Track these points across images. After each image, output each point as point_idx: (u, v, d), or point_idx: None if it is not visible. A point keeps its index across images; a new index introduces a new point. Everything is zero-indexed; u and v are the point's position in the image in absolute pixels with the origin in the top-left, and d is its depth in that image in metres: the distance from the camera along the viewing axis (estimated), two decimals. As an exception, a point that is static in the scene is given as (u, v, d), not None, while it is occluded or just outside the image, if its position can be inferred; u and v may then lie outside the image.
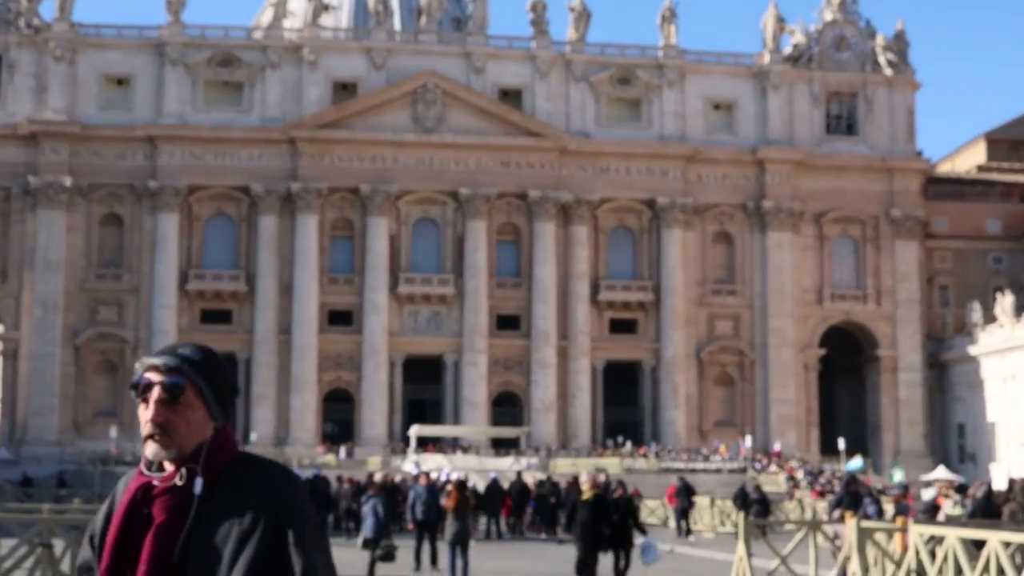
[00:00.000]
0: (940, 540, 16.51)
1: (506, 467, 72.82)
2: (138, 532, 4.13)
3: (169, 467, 4.18)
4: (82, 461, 77.53)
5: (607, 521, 25.49)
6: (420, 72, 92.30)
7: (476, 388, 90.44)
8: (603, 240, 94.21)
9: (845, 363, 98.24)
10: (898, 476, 75.35)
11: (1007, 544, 14.98)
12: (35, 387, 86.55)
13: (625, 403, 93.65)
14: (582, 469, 68.40)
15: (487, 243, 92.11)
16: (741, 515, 24.01)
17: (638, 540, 26.06)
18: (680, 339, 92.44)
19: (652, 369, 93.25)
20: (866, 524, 19.76)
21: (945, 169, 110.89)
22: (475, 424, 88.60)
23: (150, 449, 4.17)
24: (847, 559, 19.39)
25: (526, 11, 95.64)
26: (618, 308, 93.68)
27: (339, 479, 55.42)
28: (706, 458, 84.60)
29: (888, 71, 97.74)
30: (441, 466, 70.10)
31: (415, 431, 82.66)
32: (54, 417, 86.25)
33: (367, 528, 27.74)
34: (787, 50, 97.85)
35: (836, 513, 28.13)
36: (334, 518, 50.19)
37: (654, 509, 58.65)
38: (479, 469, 70.94)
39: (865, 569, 18.48)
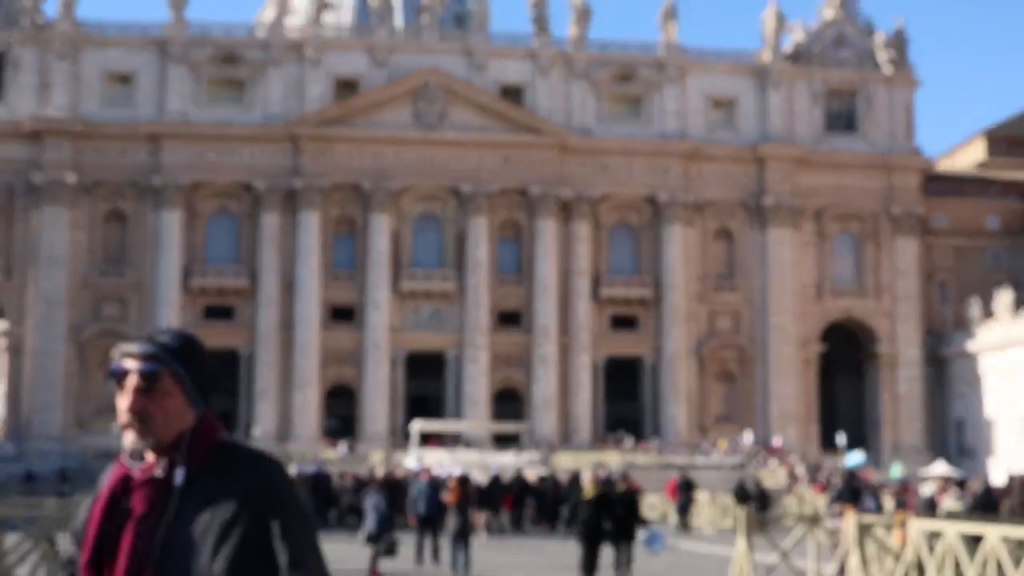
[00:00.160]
0: (939, 535, 16.55)
1: (507, 462, 73.02)
2: (119, 524, 4.06)
3: (150, 457, 4.12)
4: (85, 457, 77.70)
5: (610, 518, 25.56)
6: (422, 69, 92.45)
7: (477, 384, 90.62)
8: (604, 236, 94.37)
9: (845, 359, 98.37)
10: (896, 471, 75.56)
11: (1006, 539, 14.98)
12: (39, 383, 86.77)
13: (626, 399, 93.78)
14: (583, 465, 68.88)
15: (488, 240, 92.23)
16: (741, 510, 24.00)
17: (642, 532, 26.09)
18: (681, 335, 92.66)
19: (653, 365, 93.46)
20: (865, 519, 19.81)
21: (945, 166, 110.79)
22: (476, 420, 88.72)
23: (128, 438, 4.11)
24: (846, 554, 19.40)
25: (527, 8, 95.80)
26: (619, 304, 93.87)
27: (341, 475, 55.59)
28: (706, 453, 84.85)
29: (888, 69, 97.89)
30: (442, 461, 70.26)
31: (416, 426, 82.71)
32: (58, 413, 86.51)
33: (369, 524, 27.80)
34: (787, 48, 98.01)
35: (836, 508, 28.30)
36: (336, 514, 50.34)
37: (655, 504, 58.88)
38: (480, 464, 71.10)
39: (864, 564, 18.50)
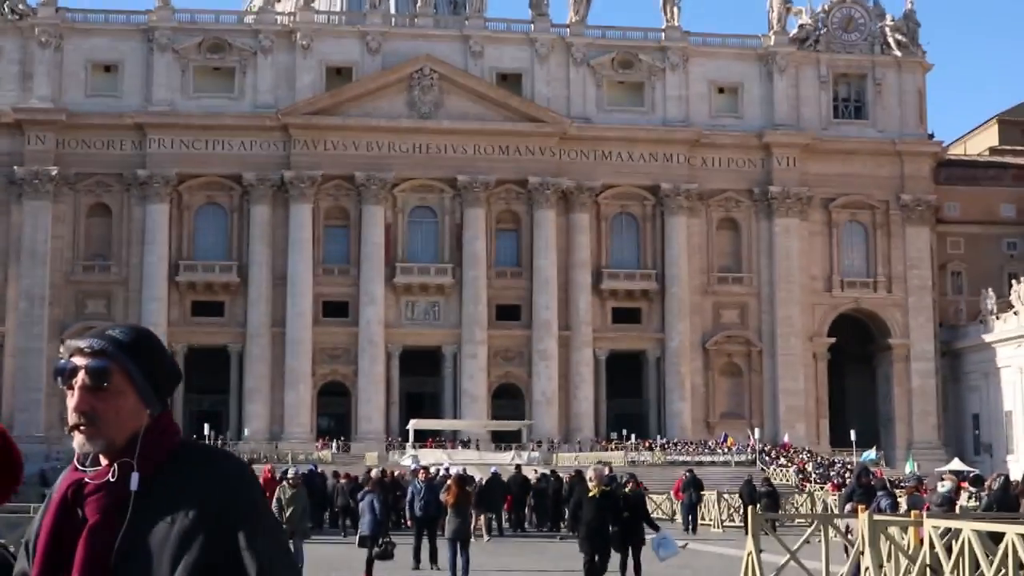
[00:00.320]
0: (956, 534, 16.07)
1: (507, 461, 71.00)
2: (71, 534, 3.80)
3: (103, 461, 3.86)
4: (69, 458, 74.79)
5: (616, 519, 24.52)
6: (416, 56, 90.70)
7: (476, 380, 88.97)
8: (605, 228, 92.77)
9: (855, 352, 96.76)
10: (910, 468, 73.68)
11: None
12: (21, 383, 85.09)
13: (629, 395, 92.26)
14: (585, 464, 66.66)
15: (486, 231, 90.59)
16: (750, 509, 23.46)
17: (651, 535, 25.37)
18: (685, 329, 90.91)
19: (657, 360, 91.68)
20: (879, 518, 19.29)
21: (957, 152, 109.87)
22: (475, 417, 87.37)
23: (76, 441, 3.87)
24: (860, 554, 18.82)
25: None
26: (621, 297, 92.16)
27: (335, 475, 53.92)
28: (713, 451, 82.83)
29: (898, 52, 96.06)
30: (440, 461, 68.25)
31: (413, 425, 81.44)
32: (40, 413, 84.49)
33: (364, 525, 27.30)
34: (794, 31, 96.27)
35: (848, 507, 27.36)
36: (330, 515, 48.89)
37: (660, 503, 56.83)
38: (479, 464, 69.04)
39: (879, 564, 17.89)
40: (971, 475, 40.01)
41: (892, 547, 18.09)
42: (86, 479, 3.86)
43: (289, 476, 30.49)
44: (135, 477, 3.80)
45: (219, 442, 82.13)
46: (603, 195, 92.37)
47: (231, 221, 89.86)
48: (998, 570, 14.80)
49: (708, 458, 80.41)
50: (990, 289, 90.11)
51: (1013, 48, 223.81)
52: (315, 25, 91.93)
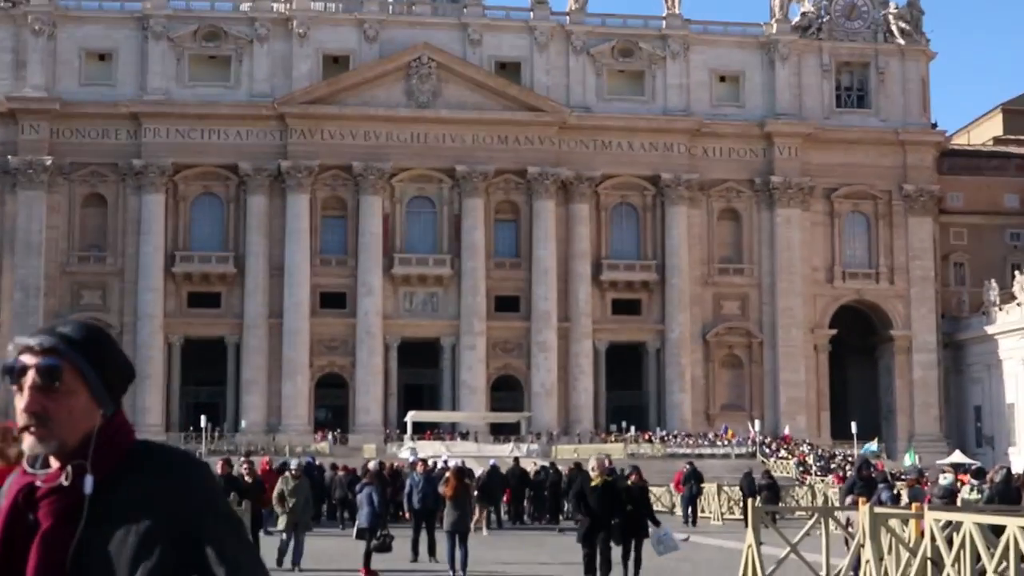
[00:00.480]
0: (957, 526, 16.11)
1: (505, 454, 70.59)
2: (23, 541, 3.66)
3: (54, 463, 3.71)
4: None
5: (618, 511, 24.19)
6: (414, 45, 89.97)
7: (474, 372, 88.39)
8: (605, 218, 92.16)
9: (857, 344, 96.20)
10: (910, 460, 73.11)
11: None
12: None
13: (629, 387, 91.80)
14: (585, 456, 66.09)
15: (485, 222, 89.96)
16: (750, 502, 23.64)
17: (653, 531, 25.20)
18: (685, 320, 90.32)
19: (657, 351, 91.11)
20: (880, 510, 19.40)
21: (960, 142, 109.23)
22: (473, 409, 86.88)
23: (26, 443, 3.71)
24: (860, 546, 18.89)
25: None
26: (621, 288, 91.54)
27: (333, 467, 53.49)
28: (713, 443, 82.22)
29: (901, 40, 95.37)
30: (438, 453, 67.78)
31: (411, 417, 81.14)
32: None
33: (362, 518, 27.03)
34: (796, 19, 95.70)
35: (849, 499, 27.13)
36: (328, 507, 48.41)
37: (660, 496, 56.31)
38: (478, 456, 68.57)
39: (879, 557, 17.93)
40: (973, 467, 39.51)
41: (893, 540, 18.05)
42: (37, 482, 3.70)
43: (292, 468, 30.19)
44: (89, 480, 3.65)
45: (216, 433, 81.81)
46: (603, 185, 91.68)
47: (227, 211, 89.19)
48: (999, 563, 14.85)
49: (708, 450, 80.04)
50: (993, 280, 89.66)
51: (1018, 37, 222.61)
52: (312, 13, 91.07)
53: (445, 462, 49.76)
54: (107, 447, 3.71)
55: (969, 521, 15.67)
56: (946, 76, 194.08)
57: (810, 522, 22.43)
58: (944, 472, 44.52)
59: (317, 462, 54.78)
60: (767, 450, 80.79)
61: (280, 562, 27.24)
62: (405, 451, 72.09)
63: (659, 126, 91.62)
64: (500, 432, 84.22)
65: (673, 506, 54.79)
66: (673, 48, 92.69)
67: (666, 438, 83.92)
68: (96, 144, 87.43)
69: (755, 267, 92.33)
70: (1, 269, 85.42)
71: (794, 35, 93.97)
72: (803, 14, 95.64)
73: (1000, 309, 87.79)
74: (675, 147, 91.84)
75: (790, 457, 78.35)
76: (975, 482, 30.96)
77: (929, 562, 16.52)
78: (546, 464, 59.54)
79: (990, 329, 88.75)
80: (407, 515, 32.91)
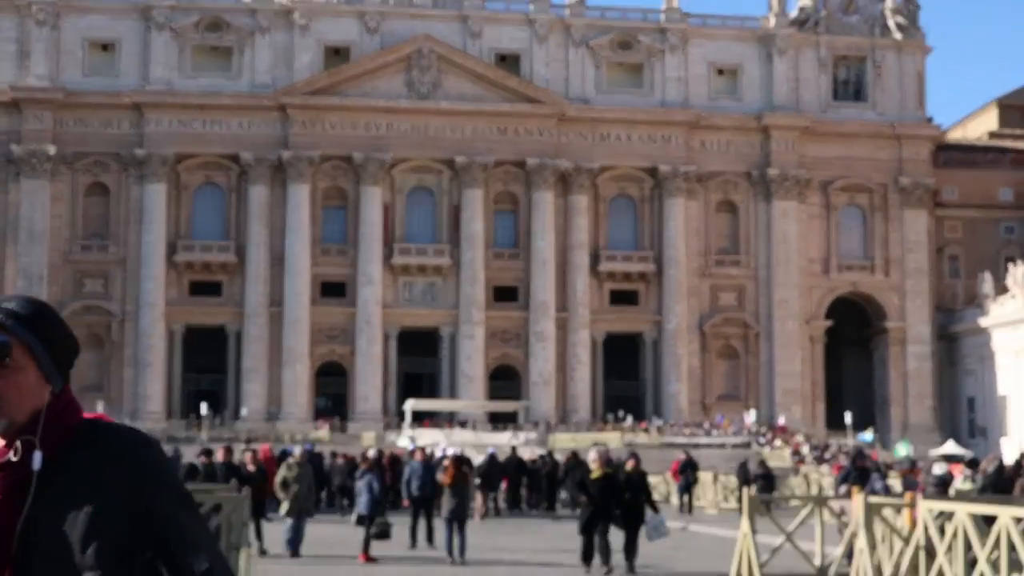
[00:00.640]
0: (950, 516, 16.05)
1: (503, 442, 70.94)
2: None
3: (2, 441, 3.66)
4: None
5: (618, 501, 24.38)
6: (415, 36, 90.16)
7: (473, 361, 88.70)
8: (603, 209, 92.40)
9: (852, 335, 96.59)
10: (903, 450, 73.82)
11: (1018, 520, 14.56)
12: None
13: (626, 376, 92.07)
14: (582, 445, 66.66)
15: (484, 212, 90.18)
16: (745, 491, 23.55)
17: (648, 516, 25.46)
18: (682, 311, 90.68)
19: (654, 341, 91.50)
20: (874, 500, 19.36)
21: (956, 136, 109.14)
22: (472, 398, 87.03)
23: None
24: (854, 535, 19.06)
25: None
26: (619, 279, 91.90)
27: (333, 454, 54.03)
28: (709, 432, 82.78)
29: (897, 35, 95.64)
30: (437, 441, 68.18)
31: (410, 405, 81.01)
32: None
33: (362, 505, 27.23)
34: (793, 13, 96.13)
35: (843, 488, 27.74)
36: (327, 494, 48.77)
37: (656, 485, 56.82)
38: (476, 444, 69.02)
39: (872, 546, 18.01)
40: (966, 458, 40.06)
41: (886, 529, 18.11)
42: None
43: (295, 455, 30.57)
44: (38, 456, 3.61)
45: (217, 421, 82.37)
46: (601, 177, 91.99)
47: (229, 201, 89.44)
48: (991, 552, 14.75)
49: (704, 440, 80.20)
50: (987, 273, 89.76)
51: (1013, 31, 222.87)
52: (313, 4, 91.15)
53: (444, 450, 50.17)
54: (56, 423, 3.67)
55: (962, 511, 15.56)
56: (942, 70, 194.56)
57: (805, 511, 22.45)
58: (938, 462, 45.17)
59: (316, 450, 55.29)
60: (762, 440, 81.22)
61: (296, 551, 27.56)
62: (404, 439, 72.44)
63: (657, 118, 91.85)
64: (498, 421, 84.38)
65: (669, 495, 55.23)
66: (672, 41, 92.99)
67: (662, 427, 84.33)
68: (99, 134, 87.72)
69: (752, 259, 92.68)
70: (4, 257, 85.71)
71: (792, 29, 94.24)
72: (801, 8, 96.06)
73: (994, 302, 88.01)
74: (673, 139, 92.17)
75: (785, 447, 78.83)
76: (968, 472, 31.51)
77: (922, 551, 16.45)
78: (543, 453, 60.18)
79: (984, 322, 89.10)
80: (406, 502, 32.99)
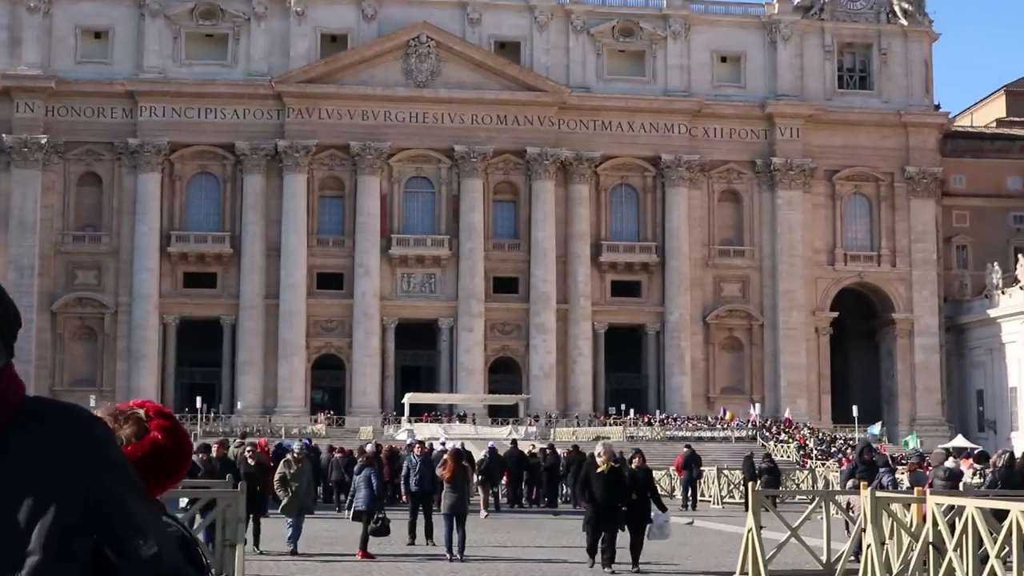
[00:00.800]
0: (959, 511, 16.13)
1: (503, 436, 69.97)
2: None
3: None
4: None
5: (624, 497, 23.86)
6: (413, 23, 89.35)
7: (472, 354, 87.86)
8: (605, 199, 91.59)
9: (858, 327, 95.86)
10: (911, 444, 72.62)
11: None
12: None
13: (628, 369, 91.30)
14: (583, 439, 65.56)
15: (483, 203, 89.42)
16: (750, 486, 23.91)
17: (654, 515, 25.10)
18: (685, 302, 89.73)
19: (656, 333, 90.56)
20: (881, 494, 19.26)
21: (963, 124, 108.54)
22: (471, 391, 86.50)
23: None
24: (862, 531, 18.86)
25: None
26: (621, 270, 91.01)
27: (330, 448, 53.02)
28: (712, 426, 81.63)
29: (904, 21, 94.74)
30: (436, 435, 67.10)
31: (409, 399, 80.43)
32: (30, 386, 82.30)
33: (360, 500, 26.88)
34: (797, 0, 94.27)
35: (850, 483, 27.36)
36: (324, 489, 47.83)
37: (659, 480, 55.76)
38: (476, 438, 67.93)
39: (881, 541, 17.86)
40: (975, 452, 39.03)
41: (894, 524, 17.94)
42: None
43: (295, 451, 29.78)
44: None
45: (211, 415, 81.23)
46: (603, 166, 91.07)
47: (224, 191, 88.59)
48: (1002, 547, 14.82)
49: (708, 434, 79.48)
50: (996, 263, 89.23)
51: (1021, 18, 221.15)
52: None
53: (443, 444, 49.27)
54: None
55: (971, 506, 15.54)
56: (949, 57, 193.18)
57: (811, 506, 22.78)
58: (949, 455, 44.02)
59: (313, 444, 54.37)
60: (767, 434, 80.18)
61: (294, 548, 26.96)
62: (403, 433, 71.63)
63: (660, 107, 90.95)
64: (498, 414, 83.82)
65: (673, 489, 54.34)
66: (674, 28, 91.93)
67: (665, 421, 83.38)
68: (91, 122, 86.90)
69: (756, 249, 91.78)
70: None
71: (796, 15, 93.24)
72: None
73: (1003, 292, 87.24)
74: (676, 128, 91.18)
75: (791, 441, 77.77)
76: (978, 466, 30.45)
77: (931, 547, 16.38)
78: (544, 447, 59.04)
79: (992, 312, 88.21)
80: (405, 498, 32.77)
